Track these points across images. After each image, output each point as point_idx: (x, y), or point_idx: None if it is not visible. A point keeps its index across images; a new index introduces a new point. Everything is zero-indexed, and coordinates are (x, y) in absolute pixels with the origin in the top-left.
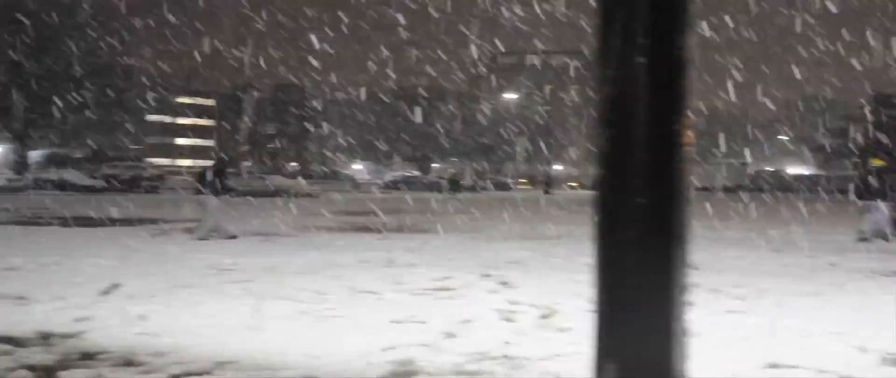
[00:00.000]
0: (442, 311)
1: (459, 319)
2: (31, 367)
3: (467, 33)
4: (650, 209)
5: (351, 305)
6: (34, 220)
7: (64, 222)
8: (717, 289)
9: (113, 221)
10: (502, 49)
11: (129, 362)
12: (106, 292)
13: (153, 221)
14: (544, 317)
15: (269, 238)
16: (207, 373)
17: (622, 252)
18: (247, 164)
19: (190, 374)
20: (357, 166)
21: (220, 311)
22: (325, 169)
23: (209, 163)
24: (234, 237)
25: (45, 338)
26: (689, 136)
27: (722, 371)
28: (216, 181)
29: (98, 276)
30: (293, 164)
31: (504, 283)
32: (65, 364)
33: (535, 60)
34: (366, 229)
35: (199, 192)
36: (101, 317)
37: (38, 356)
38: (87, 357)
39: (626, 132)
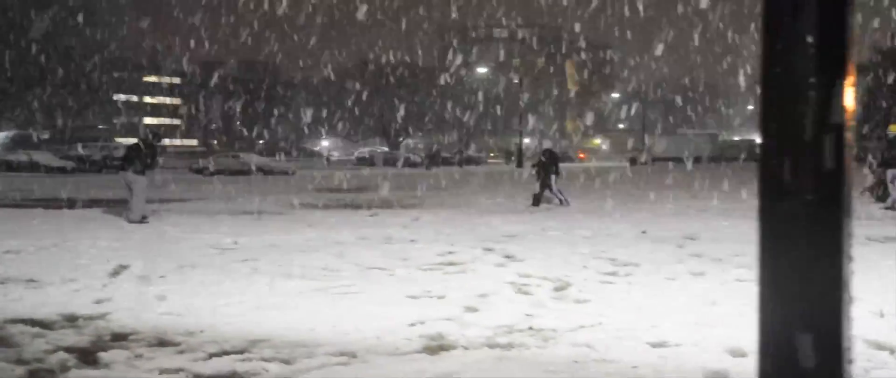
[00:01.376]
0: (455, 285)
1: (475, 293)
2: (68, 349)
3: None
4: (821, 181)
5: (364, 281)
6: (18, 203)
7: (48, 204)
8: (719, 258)
9: (96, 202)
10: (469, 23)
11: (162, 342)
12: (115, 273)
13: None
14: (558, 289)
15: (261, 217)
16: (244, 351)
17: (791, 224)
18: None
19: (227, 353)
20: (325, 143)
21: (236, 290)
22: (291, 147)
23: (133, 140)
24: (145, 220)
25: (71, 320)
26: (850, 110)
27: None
28: (142, 159)
29: (100, 257)
30: (261, 141)
31: (509, 257)
32: (99, 345)
33: (502, 33)
34: (354, 206)
35: (122, 170)
36: (120, 298)
37: (71, 338)
38: (120, 338)
39: (794, 108)
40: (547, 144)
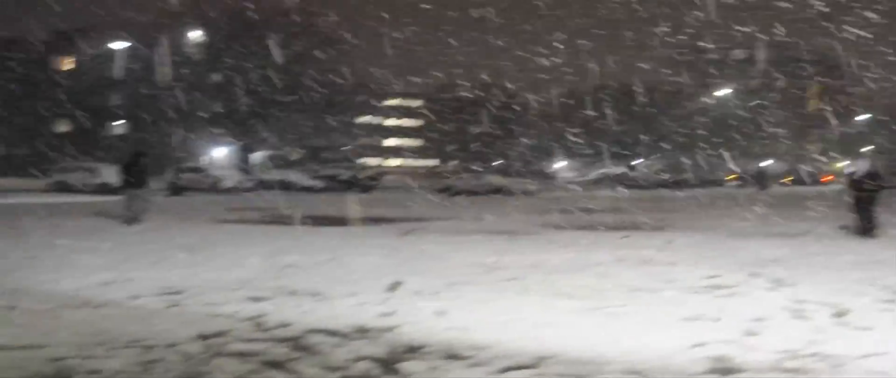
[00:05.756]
0: (728, 308)
1: (751, 317)
2: (370, 359)
3: (667, 29)
4: None
5: (634, 303)
6: (283, 220)
7: (311, 221)
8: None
9: (353, 220)
10: (706, 43)
11: (453, 355)
12: (392, 289)
13: (390, 220)
14: (837, 315)
15: (513, 237)
16: (533, 366)
17: None
18: (453, 163)
19: (518, 368)
20: (559, 164)
21: (510, 308)
22: (526, 168)
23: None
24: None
25: (364, 331)
26: None
27: None
28: (132, 173)
29: (373, 272)
30: (497, 162)
31: (777, 281)
32: (395, 357)
33: (740, 54)
34: (603, 227)
35: (127, 184)
36: (402, 312)
37: (369, 349)
38: (412, 350)
39: None
40: (862, 165)
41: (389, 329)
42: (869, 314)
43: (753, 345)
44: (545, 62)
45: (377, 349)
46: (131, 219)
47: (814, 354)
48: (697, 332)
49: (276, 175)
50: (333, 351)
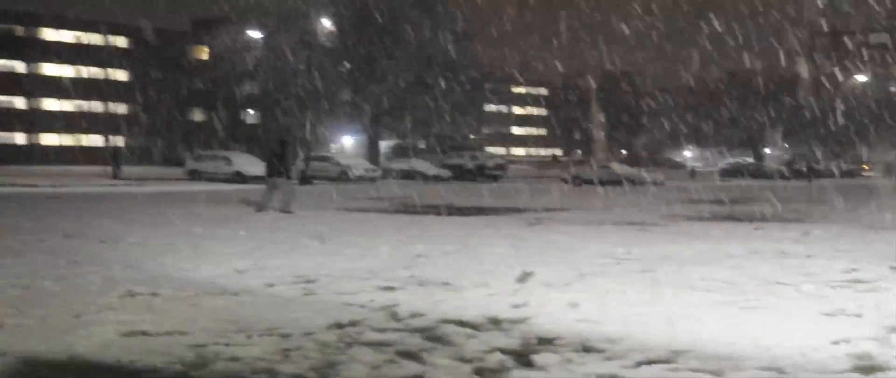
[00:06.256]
0: (870, 304)
1: (894, 314)
2: (503, 351)
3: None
4: None
5: (770, 297)
6: (411, 209)
7: (439, 211)
8: None
9: (481, 210)
10: (834, 28)
11: (586, 348)
12: (522, 280)
13: (517, 210)
14: None
15: (642, 228)
16: (670, 361)
17: None
18: (576, 154)
19: (654, 362)
20: (687, 153)
21: (643, 300)
22: (653, 158)
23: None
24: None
25: (496, 323)
26: None
27: None
28: (279, 161)
29: (503, 262)
30: (624, 152)
31: None
32: (529, 348)
33: (881, 38)
34: (733, 218)
35: (273, 172)
36: (534, 303)
37: (501, 340)
38: (546, 342)
39: None
40: None
41: (521, 320)
42: None
43: None
44: (673, 49)
45: (510, 341)
46: (267, 206)
47: None
48: (838, 329)
49: (402, 164)
50: (467, 342)
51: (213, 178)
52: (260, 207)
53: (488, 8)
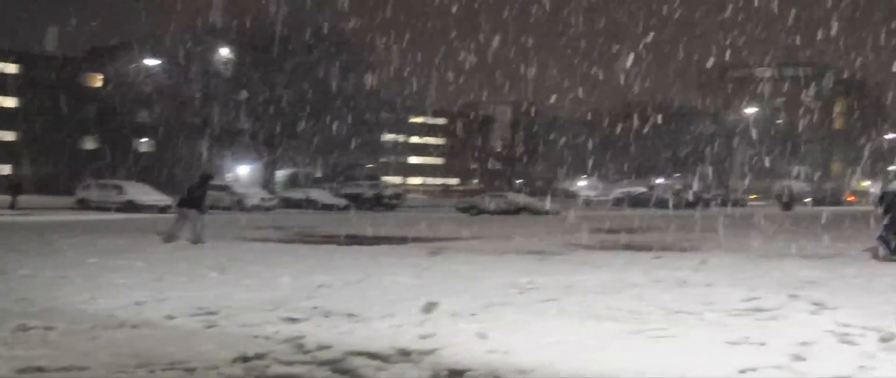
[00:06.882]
0: (772, 332)
1: (796, 341)
2: None
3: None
4: None
5: (676, 325)
6: (308, 239)
7: (337, 240)
8: None
9: (381, 239)
10: (725, 62)
11: None
12: (428, 310)
13: (417, 239)
14: (885, 340)
15: (544, 257)
16: None
17: None
18: (474, 182)
19: None
20: (581, 183)
21: (550, 329)
22: (547, 187)
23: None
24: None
25: (405, 354)
26: None
27: None
28: (194, 195)
29: (406, 293)
30: (519, 181)
31: (818, 304)
32: None
33: (766, 73)
34: (632, 247)
35: (185, 203)
36: (442, 334)
37: (412, 373)
38: (457, 374)
39: None
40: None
41: (430, 351)
42: None
43: (804, 370)
44: (566, 80)
45: (421, 373)
46: (176, 236)
47: None
48: (744, 357)
49: (299, 193)
50: (377, 374)
51: (102, 207)
52: (168, 238)
53: (388, 39)
